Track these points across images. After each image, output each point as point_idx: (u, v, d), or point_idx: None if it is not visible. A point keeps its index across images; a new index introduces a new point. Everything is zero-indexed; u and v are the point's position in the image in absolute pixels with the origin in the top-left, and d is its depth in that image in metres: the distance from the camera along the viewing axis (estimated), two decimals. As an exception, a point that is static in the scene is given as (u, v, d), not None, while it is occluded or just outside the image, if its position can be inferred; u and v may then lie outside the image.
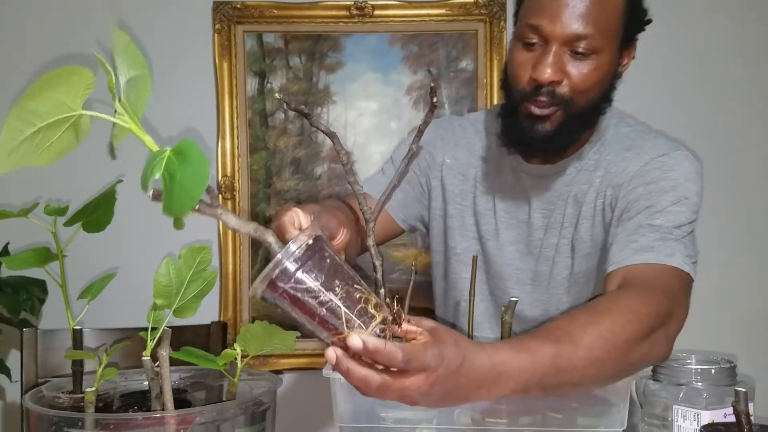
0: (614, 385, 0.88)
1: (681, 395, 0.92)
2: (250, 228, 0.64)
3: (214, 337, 1.62)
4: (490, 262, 1.19)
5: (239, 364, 0.91)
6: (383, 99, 2.05)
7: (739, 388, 0.80)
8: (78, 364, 0.88)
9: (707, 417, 0.89)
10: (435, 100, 0.87)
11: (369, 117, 2.06)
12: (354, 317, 0.63)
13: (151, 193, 0.59)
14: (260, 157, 2.03)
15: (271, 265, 0.64)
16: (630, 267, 0.96)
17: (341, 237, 0.89)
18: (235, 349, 0.90)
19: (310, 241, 0.64)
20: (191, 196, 0.55)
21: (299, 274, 0.63)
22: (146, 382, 0.97)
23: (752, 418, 0.80)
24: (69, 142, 0.59)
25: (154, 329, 0.88)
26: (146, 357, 0.89)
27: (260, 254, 2.03)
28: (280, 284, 0.63)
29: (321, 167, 2.03)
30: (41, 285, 1.74)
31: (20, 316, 1.67)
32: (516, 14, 1.07)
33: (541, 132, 1.03)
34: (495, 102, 2.00)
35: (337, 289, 0.63)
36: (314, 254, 0.64)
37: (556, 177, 1.12)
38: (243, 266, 2.01)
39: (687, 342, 1.09)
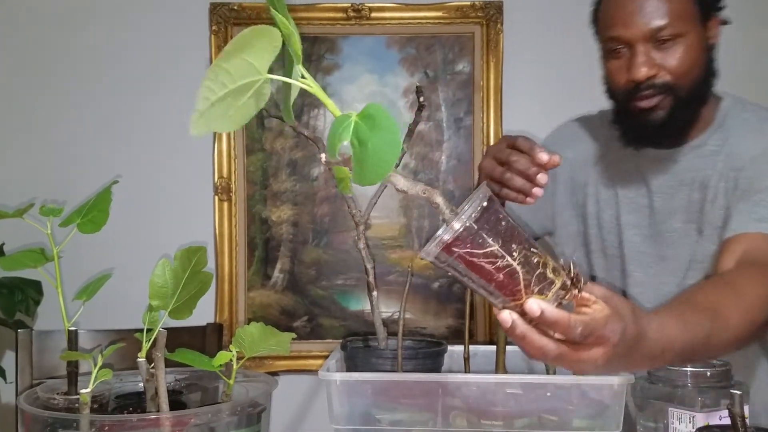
0: (611, 386, 0.88)
1: (676, 397, 0.92)
2: (418, 189, 0.60)
3: (209, 339, 1.62)
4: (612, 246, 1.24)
5: (234, 366, 0.91)
6: (380, 101, 2.04)
7: (735, 391, 0.81)
8: (73, 365, 0.88)
9: (702, 419, 0.89)
10: (422, 99, 0.89)
11: (366, 119, 2.06)
12: (533, 281, 0.61)
13: (328, 158, 0.57)
14: (257, 158, 2.03)
15: (445, 227, 0.60)
16: (749, 236, 1.01)
17: None
18: (230, 351, 0.90)
19: (485, 203, 0.60)
20: (386, 163, 0.53)
21: (477, 238, 0.59)
22: (141, 384, 0.97)
23: (747, 420, 0.80)
24: (251, 107, 0.55)
25: (149, 330, 0.88)
26: (141, 358, 0.89)
27: (256, 255, 2.02)
28: (455, 248, 0.60)
29: (318, 169, 2.03)
30: (36, 286, 1.74)
31: (15, 317, 1.67)
32: (596, 34, 1.14)
33: (656, 120, 1.09)
34: (492, 105, 2.00)
35: (514, 252, 0.60)
36: (490, 216, 0.60)
37: (677, 162, 1.16)
38: (239, 268, 2.01)
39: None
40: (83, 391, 0.82)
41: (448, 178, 2.02)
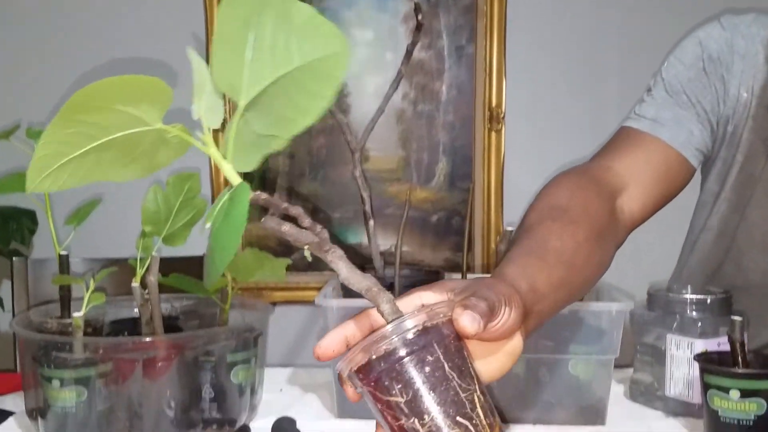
0: (609, 312, 0.87)
1: (675, 325, 0.92)
2: (364, 285, 0.46)
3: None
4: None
5: (230, 292, 0.90)
6: (379, 27, 1.98)
7: (735, 317, 0.80)
8: (65, 290, 0.87)
9: (701, 346, 0.88)
10: (420, 17, 0.83)
11: (364, 47, 2.00)
12: None
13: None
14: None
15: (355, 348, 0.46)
16: None
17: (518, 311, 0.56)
18: (225, 277, 0.88)
19: (410, 335, 0.45)
20: (221, 260, 0.42)
21: (382, 378, 0.45)
22: (137, 310, 0.96)
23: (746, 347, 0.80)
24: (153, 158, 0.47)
25: (143, 258, 0.87)
26: (136, 284, 0.87)
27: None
28: (362, 379, 0.46)
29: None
30: (31, 215, 1.72)
31: (11, 247, 1.66)
32: None
33: None
34: (495, 33, 1.93)
35: (425, 416, 0.44)
36: (411, 353, 0.45)
37: None
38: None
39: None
40: (76, 314, 0.81)
41: (449, 109, 1.98)
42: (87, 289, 0.83)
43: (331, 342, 0.50)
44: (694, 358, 0.85)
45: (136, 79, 0.43)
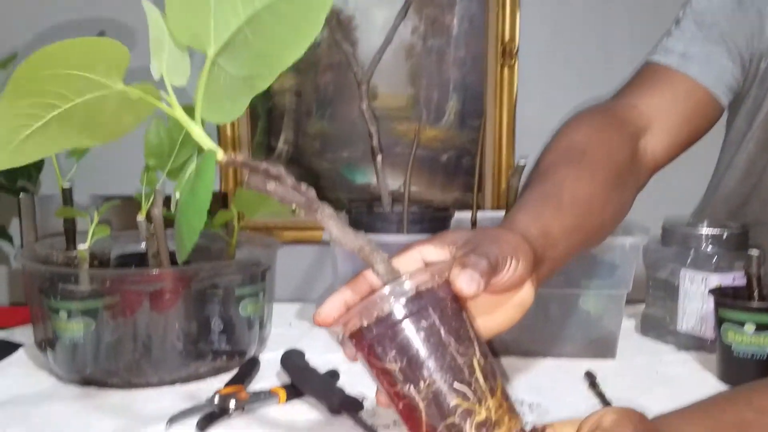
0: (623, 246, 0.86)
1: (689, 259, 0.90)
2: (356, 245, 0.44)
3: (213, 208, 1.60)
4: None
5: (236, 226, 0.89)
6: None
7: (752, 251, 0.78)
8: (70, 223, 0.86)
9: (715, 281, 0.87)
10: None
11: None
12: None
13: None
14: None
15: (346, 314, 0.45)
16: None
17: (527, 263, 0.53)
18: (231, 211, 0.87)
19: (404, 300, 0.43)
20: (190, 234, 0.42)
21: (375, 344, 0.43)
22: (143, 244, 0.96)
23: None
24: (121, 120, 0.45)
25: (148, 193, 0.85)
26: (141, 218, 0.86)
27: (259, 126, 1.97)
28: (357, 345, 0.44)
29: (322, 34, 1.93)
30: (37, 154, 1.71)
31: (18, 185, 1.65)
32: None
33: None
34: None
35: (422, 383, 0.42)
36: (405, 318, 0.43)
37: None
38: (242, 138, 1.97)
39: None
40: (81, 246, 0.81)
41: (460, 44, 1.92)
42: (91, 222, 0.82)
43: (331, 308, 0.48)
44: (709, 293, 0.83)
45: (86, 42, 0.41)
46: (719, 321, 0.80)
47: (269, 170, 0.44)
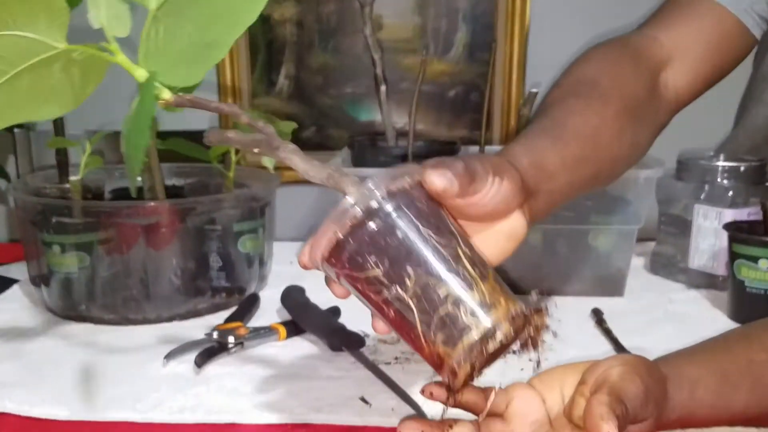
0: (636, 179, 0.82)
1: (704, 194, 0.87)
2: (323, 174, 0.43)
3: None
4: None
5: (233, 158, 0.85)
6: None
7: (771, 184, 0.75)
8: (62, 154, 0.83)
9: (730, 216, 0.84)
10: None
11: None
12: (435, 326, 0.40)
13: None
14: None
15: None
16: None
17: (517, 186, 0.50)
18: (228, 141, 0.84)
19: (375, 204, 0.41)
20: (134, 158, 0.39)
21: (354, 254, 0.41)
22: (139, 178, 0.93)
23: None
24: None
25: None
26: (134, 149, 0.83)
27: (259, 59, 1.91)
28: (335, 266, 0.43)
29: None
30: (32, 88, 1.67)
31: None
32: None
33: None
34: None
35: (408, 280, 0.41)
36: (380, 222, 0.41)
37: None
38: (242, 72, 1.91)
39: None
40: (73, 178, 0.78)
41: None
42: (84, 153, 0.79)
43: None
44: (723, 227, 0.80)
45: None
46: (733, 257, 0.77)
47: (221, 107, 0.43)
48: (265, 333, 0.74)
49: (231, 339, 0.72)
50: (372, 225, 0.41)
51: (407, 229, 0.41)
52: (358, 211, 0.41)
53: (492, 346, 0.40)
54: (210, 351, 0.70)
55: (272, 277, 0.95)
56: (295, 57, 1.90)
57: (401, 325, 0.42)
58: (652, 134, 0.71)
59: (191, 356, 0.69)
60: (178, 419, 0.59)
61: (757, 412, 0.52)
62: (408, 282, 0.40)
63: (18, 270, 0.95)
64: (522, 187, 0.49)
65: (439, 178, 0.42)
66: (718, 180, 0.86)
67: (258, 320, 0.81)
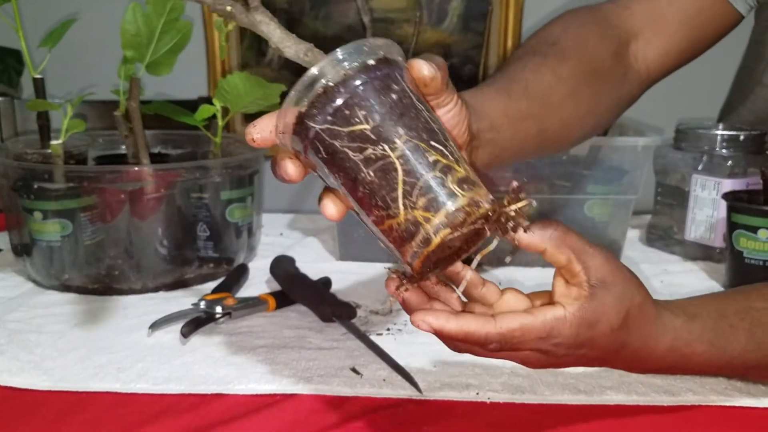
0: (634, 148, 0.81)
1: (702, 164, 0.85)
2: (301, 48, 0.41)
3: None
4: None
5: (220, 122, 0.83)
6: None
7: (772, 153, 0.73)
8: (44, 118, 0.80)
9: (728, 186, 0.82)
10: None
11: None
12: (419, 189, 0.39)
13: None
14: None
15: (300, 83, 0.40)
16: None
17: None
18: (213, 105, 0.81)
19: (371, 61, 0.40)
20: None
21: (347, 106, 0.39)
22: (123, 147, 0.90)
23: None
24: None
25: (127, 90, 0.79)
26: (119, 113, 0.81)
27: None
28: (311, 122, 0.40)
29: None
30: (16, 55, 1.63)
31: (-2, 90, 1.58)
32: None
33: None
34: None
35: (397, 140, 0.39)
36: (374, 79, 0.40)
37: None
38: (231, 40, 1.87)
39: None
40: (54, 142, 0.75)
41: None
42: (65, 116, 0.76)
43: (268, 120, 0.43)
44: (722, 197, 0.79)
45: None
46: (731, 227, 0.75)
47: None
48: (253, 303, 0.72)
49: (218, 309, 0.70)
50: (368, 77, 0.39)
51: (401, 95, 0.40)
52: (356, 64, 0.39)
53: (473, 218, 0.39)
54: (197, 321, 0.68)
55: (261, 248, 0.93)
56: (285, 25, 1.85)
57: (370, 193, 0.40)
58: (615, 104, 0.70)
59: (177, 326, 0.67)
60: (163, 389, 0.57)
61: (756, 358, 0.51)
62: (398, 141, 0.39)
63: (1, 240, 0.92)
64: (469, 124, 0.50)
65: (426, 66, 0.42)
66: (717, 149, 0.84)
67: (246, 291, 0.80)
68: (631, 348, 0.46)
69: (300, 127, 0.40)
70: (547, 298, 0.47)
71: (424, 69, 0.42)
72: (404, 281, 0.42)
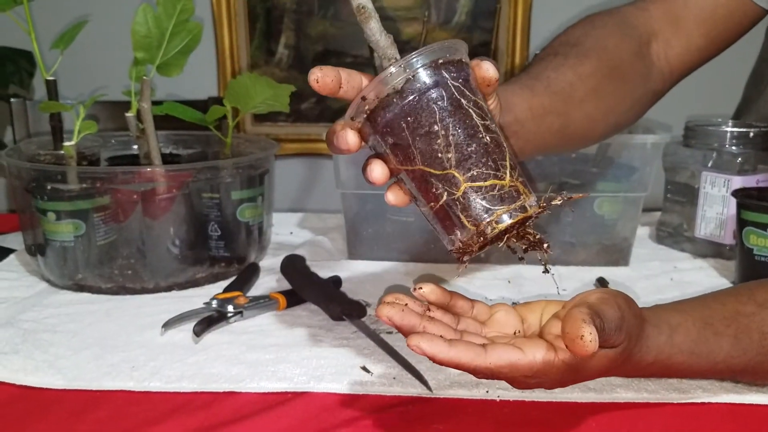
0: (644, 145, 0.80)
1: (712, 161, 0.85)
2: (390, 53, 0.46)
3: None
4: None
5: (230, 122, 0.83)
6: None
7: (782, 148, 0.73)
8: (56, 120, 0.81)
9: (738, 183, 0.82)
10: None
11: None
12: (472, 156, 0.43)
13: None
14: None
15: (398, 63, 0.44)
16: None
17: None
18: (224, 106, 0.82)
19: (465, 59, 0.45)
20: None
21: (424, 96, 0.43)
22: (135, 147, 0.91)
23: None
24: None
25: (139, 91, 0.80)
26: (131, 113, 0.81)
27: (258, 28, 1.87)
28: (399, 100, 0.43)
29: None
30: (28, 56, 1.64)
31: (10, 91, 1.59)
32: None
33: None
34: None
35: (472, 140, 0.43)
36: (456, 78, 0.44)
37: None
38: (240, 41, 1.87)
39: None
40: (67, 143, 0.76)
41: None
42: (77, 117, 0.77)
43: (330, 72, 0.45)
44: (732, 194, 0.79)
45: None
46: (741, 224, 0.75)
47: None
48: (264, 302, 0.73)
49: (230, 308, 0.70)
50: (456, 72, 0.43)
51: (474, 90, 0.44)
52: (441, 62, 0.43)
53: (521, 217, 0.43)
54: (209, 320, 0.69)
55: (272, 246, 0.94)
56: (294, 25, 1.86)
57: (429, 182, 0.43)
58: (639, 101, 0.70)
59: (189, 325, 0.68)
60: (175, 388, 0.58)
61: (742, 363, 0.52)
62: (472, 139, 0.43)
63: (15, 240, 0.93)
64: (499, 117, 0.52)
65: (492, 67, 0.45)
66: (727, 146, 0.84)
67: (257, 290, 0.80)
68: (615, 371, 0.49)
69: (389, 99, 0.43)
70: (538, 311, 0.50)
71: (491, 70, 0.45)
72: (469, 247, 0.45)
